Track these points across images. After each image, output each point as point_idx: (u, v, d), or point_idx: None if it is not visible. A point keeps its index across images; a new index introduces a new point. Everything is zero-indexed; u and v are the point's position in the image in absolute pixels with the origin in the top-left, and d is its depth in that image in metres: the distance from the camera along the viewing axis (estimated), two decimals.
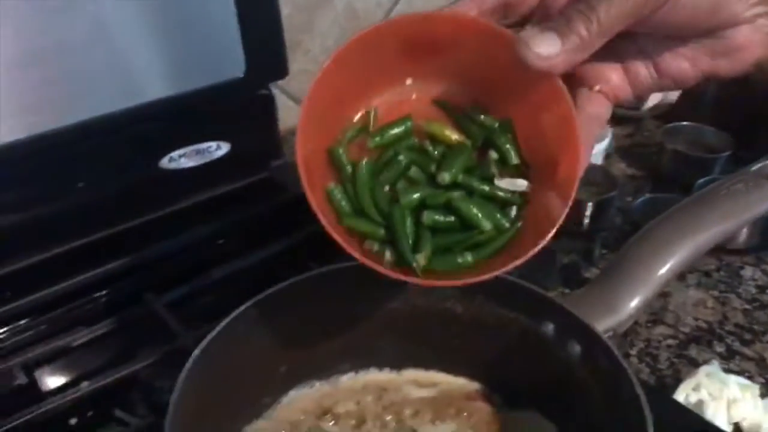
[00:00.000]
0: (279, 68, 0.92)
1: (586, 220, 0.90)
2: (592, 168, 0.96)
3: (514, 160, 0.46)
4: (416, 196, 0.45)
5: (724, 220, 0.58)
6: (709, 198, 0.61)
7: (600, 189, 0.93)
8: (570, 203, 0.43)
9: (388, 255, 0.45)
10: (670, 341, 0.76)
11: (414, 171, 0.46)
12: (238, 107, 0.90)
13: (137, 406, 0.68)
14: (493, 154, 0.46)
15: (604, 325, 0.53)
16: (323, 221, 0.43)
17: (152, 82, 0.82)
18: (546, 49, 0.39)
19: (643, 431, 0.45)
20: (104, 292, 0.78)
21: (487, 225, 0.45)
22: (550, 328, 0.55)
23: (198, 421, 0.50)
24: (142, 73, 0.81)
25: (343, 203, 0.46)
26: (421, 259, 0.44)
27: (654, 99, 1.12)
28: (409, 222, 0.45)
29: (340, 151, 0.46)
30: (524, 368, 0.58)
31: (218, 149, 0.90)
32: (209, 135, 0.88)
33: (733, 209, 0.58)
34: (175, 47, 0.82)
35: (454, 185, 0.45)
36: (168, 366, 0.66)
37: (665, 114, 1.13)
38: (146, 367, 0.67)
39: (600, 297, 0.55)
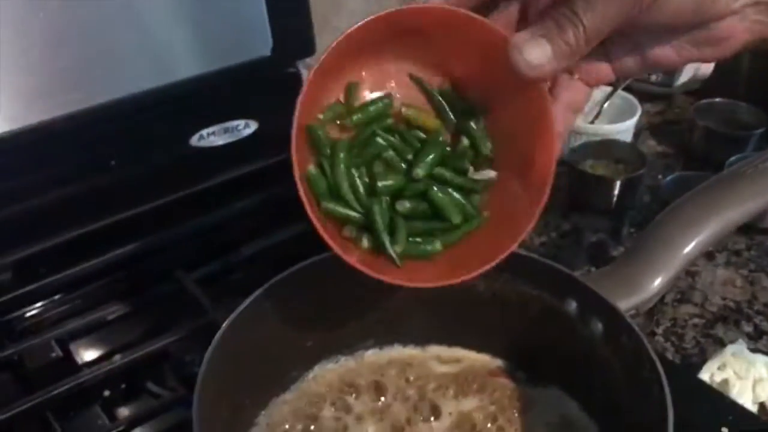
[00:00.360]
0: (306, 46, 0.92)
1: (614, 199, 0.89)
2: (621, 145, 0.95)
3: (486, 150, 0.46)
4: (394, 184, 0.46)
5: (753, 198, 0.57)
6: (738, 175, 0.60)
7: (629, 167, 0.92)
8: (546, 195, 0.43)
9: (365, 242, 0.47)
10: (697, 320, 0.76)
11: (390, 155, 0.47)
12: (266, 85, 0.91)
13: (168, 379, 0.70)
14: (465, 141, 0.47)
15: (626, 303, 0.53)
16: (306, 205, 0.43)
17: (181, 61, 0.83)
18: (537, 56, 0.39)
19: (663, 410, 0.45)
20: (136, 269, 0.80)
21: (457, 218, 0.46)
22: (572, 306, 0.55)
23: (225, 394, 0.51)
24: (172, 52, 0.82)
25: (321, 185, 0.46)
26: (398, 249, 0.45)
27: (686, 75, 1.10)
28: (386, 213, 0.46)
29: (318, 130, 0.46)
30: (547, 345, 0.58)
31: (246, 127, 0.91)
32: (237, 113, 0.89)
33: (764, 187, 0.57)
34: (203, 26, 0.83)
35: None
36: (198, 340, 0.68)
37: (697, 90, 1.11)
38: (177, 342, 0.68)
39: (623, 275, 0.55)
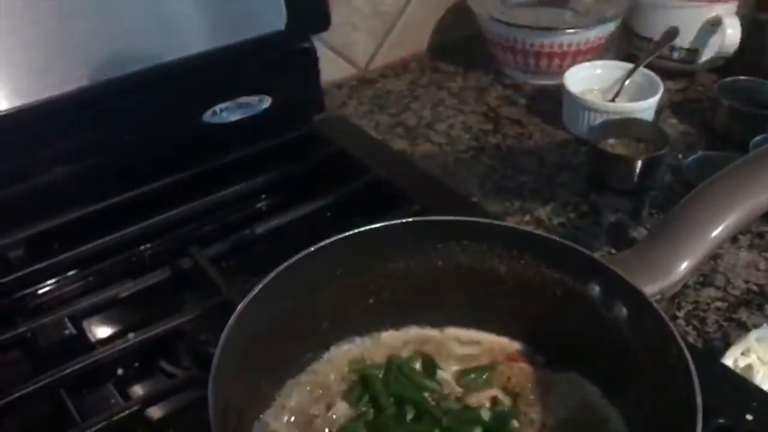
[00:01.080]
0: (320, 20, 0.90)
1: (635, 179, 0.87)
2: (642, 124, 0.93)
3: None
4: None
5: None
6: (766, 157, 0.58)
7: (650, 146, 0.90)
8: None
9: None
10: (719, 304, 0.74)
11: None
12: (280, 60, 0.89)
13: (182, 358, 0.69)
14: None
15: (652, 288, 0.52)
16: None
17: (194, 36, 0.82)
18: None
19: (691, 398, 0.44)
20: (150, 245, 0.79)
21: None
22: (596, 289, 0.54)
23: (241, 374, 0.50)
24: (185, 26, 0.81)
25: None
26: None
27: (710, 52, 1.07)
28: None
29: None
30: (568, 330, 0.57)
31: (260, 103, 0.89)
32: (251, 88, 0.88)
33: None
34: (217, 0, 0.81)
35: None
36: (212, 319, 0.67)
37: (721, 67, 1.09)
38: (191, 321, 0.68)
39: (649, 258, 0.53)
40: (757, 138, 0.86)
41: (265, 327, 0.53)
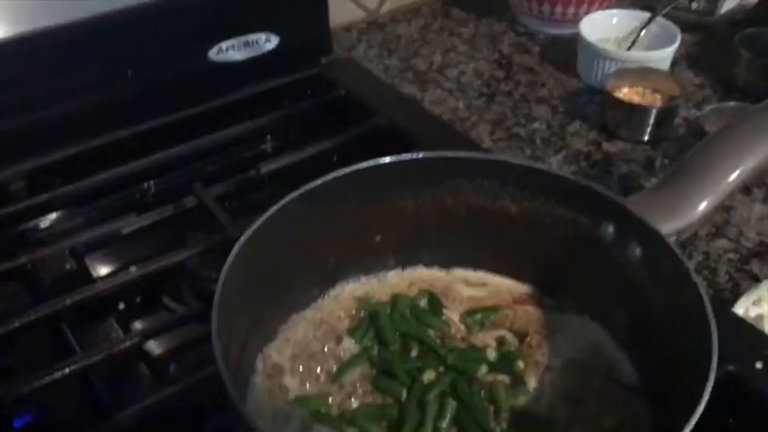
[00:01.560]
0: None
1: (649, 128, 0.86)
2: (657, 74, 0.90)
3: None
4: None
5: None
6: None
7: (665, 96, 0.88)
8: None
9: None
10: (731, 255, 0.73)
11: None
12: None
13: (184, 294, 0.69)
14: None
15: (668, 227, 0.50)
16: None
17: None
18: None
19: (707, 339, 0.43)
20: (153, 182, 0.78)
21: None
22: (609, 229, 0.53)
23: (245, 308, 0.49)
24: None
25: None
26: None
27: (729, 3, 1.04)
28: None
29: None
30: (579, 272, 0.56)
31: (267, 42, 0.87)
32: (258, 26, 0.86)
33: None
34: None
35: None
36: (215, 256, 0.66)
37: (741, 20, 1.06)
38: (194, 257, 0.67)
39: (666, 199, 0.52)
40: None
41: (269, 259, 0.51)
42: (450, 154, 0.55)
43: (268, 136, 0.86)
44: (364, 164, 0.54)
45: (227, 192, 0.75)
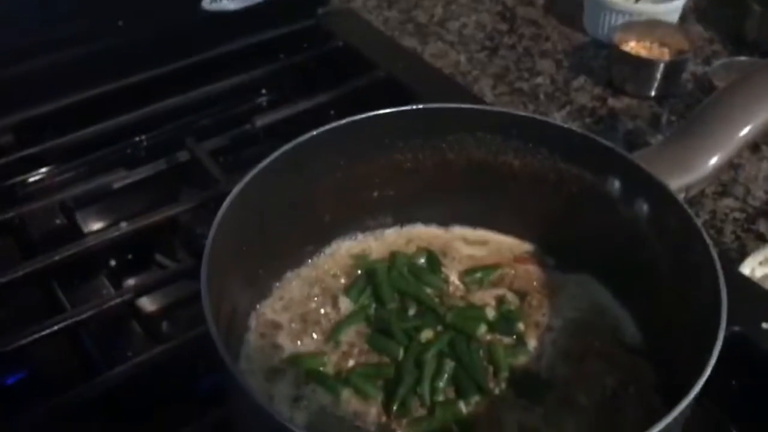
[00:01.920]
0: None
1: (656, 83, 0.83)
2: (665, 27, 0.88)
3: None
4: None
5: None
6: None
7: (673, 50, 0.86)
8: None
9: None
10: (737, 214, 0.71)
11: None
12: None
13: (177, 251, 0.67)
14: None
15: (677, 183, 0.48)
16: None
17: None
18: None
19: (716, 299, 0.41)
20: (145, 137, 0.76)
21: None
22: (616, 185, 0.51)
23: (237, 264, 0.48)
24: None
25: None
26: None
27: None
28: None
29: None
30: (582, 229, 0.54)
31: None
32: None
33: None
34: None
35: None
36: (209, 211, 0.64)
37: None
38: (187, 212, 0.65)
39: (675, 153, 0.50)
40: None
41: (262, 214, 0.50)
42: (452, 105, 0.53)
43: (263, 90, 0.84)
44: (360, 116, 0.52)
45: (221, 146, 0.73)
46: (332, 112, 0.78)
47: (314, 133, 0.51)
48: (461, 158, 0.55)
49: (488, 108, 0.54)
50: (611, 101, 0.84)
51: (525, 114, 0.53)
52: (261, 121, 0.74)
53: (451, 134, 0.54)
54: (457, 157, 0.55)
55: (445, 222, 0.59)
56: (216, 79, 0.79)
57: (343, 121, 0.51)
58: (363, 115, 0.52)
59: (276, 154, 0.49)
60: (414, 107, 0.53)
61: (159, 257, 0.67)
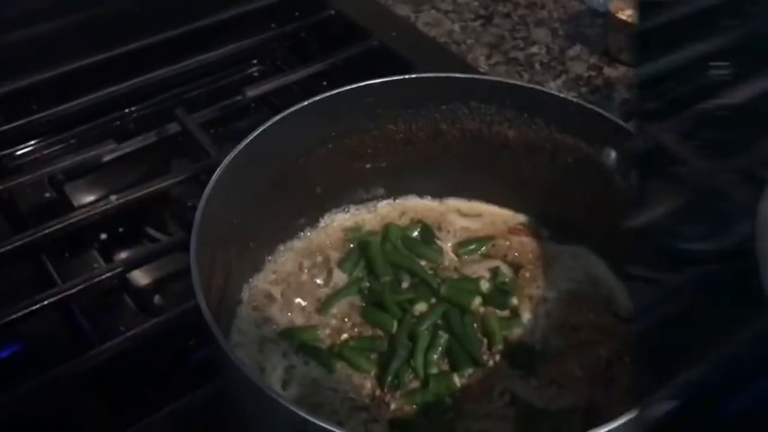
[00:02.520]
0: None
1: None
2: None
3: None
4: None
5: None
6: None
7: None
8: None
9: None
10: None
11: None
12: None
13: (169, 224, 0.66)
14: None
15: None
16: None
17: None
18: None
19: None
20: (135, 108, 0.75)
21: None
22: (612, 155, 0.50)
23: (229, 236, 0.47)
24: None
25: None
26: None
27: None
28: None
29: None
30: (578, 200, 0.54)
31: None
32: None
33: None
34: None
35: None
36: (200, 184, 0.63)
37: None
38: (177, 185, 0.64)
39: None
40: None
41: (253, 186, 0.49)
42: (445, 75, 0.52)
43: (255, 60, 0.82)
44: (351, 86, 0.51)
45: (212, 118, 0.72)
46: (325, 83, 0.77)
47: (305, 103, 0.50)
48: (455, 129, 0.55)
49: (482, 77, 0.53)
50: (607, 70, 0.83)
51: (519, 83, 0.52)
52: (252, 92, 0.73)
53: (445, 104, 0.54)
54: (450, 127, 0.55)
55: (439, 194, 0.59)
56: (206, 49, 0.77)
57: (334, 92, 0.51)
58: (354, 85, 0.51)
59: (266, 125, 0.48)
60: (406, 77, 0.52)
61: (150, 230, 0.66)
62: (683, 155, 0.54)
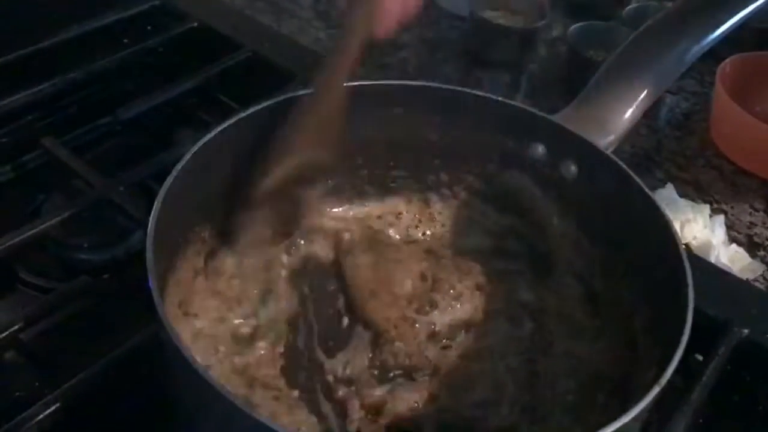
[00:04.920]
0: None
1: (514, 51, 0.85)
2: None
3: None
4: None
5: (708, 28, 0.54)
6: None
7: (528, 18, 0.88)
8: None
9: None
10: None
11: None
12: None
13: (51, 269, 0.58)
14: None
15: (603, 140, 0.49)
16: None
17: None
18: None
19: (668, 233, 0.42)
20: None
21: None
22: (539, 150, 0.51)
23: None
24: None
25: None
26: None
27: None
28: None
29: None
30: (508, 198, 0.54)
31: None
32: None
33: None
34: None
35: None
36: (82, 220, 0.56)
37: None
38: (57, 225, 0.56)
39: (594, 111, 0.50)
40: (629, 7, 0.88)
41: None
42: (371, 83, 0.51)
43: (126, 75, 0.75)
44: (280, 98, 0.47)
45: (83, 143, 0.65)
46: (198, 96, 0.72)
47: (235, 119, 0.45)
48: (380, 134, 0.53)
49: (407, 83, 0.52)
50: (476, 71, 0.85)
51: (442, 86, 0.51)
52: (124, 114, 0.66)
53: (366, 112, 0.51)
54: (375, 133, 0.53)
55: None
56: (71, 65, 0.69)
57: (264, 104, 0.47)
58: (281, 98, 0.47)
59: (198, 144, 0.43)
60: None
61: (25, 276, 0.57)
62: (78, 169, 0.56)
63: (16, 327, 0.48)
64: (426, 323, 0.49)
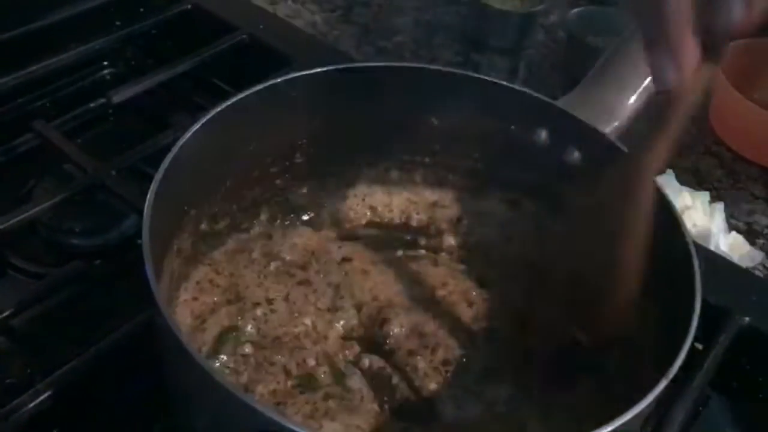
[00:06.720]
0: None
1: (513, 35, 0.84)
2: None
3: None
4: None
5: None
6: None
7: (526, 2, 0.87)
8: None
9: None
10: None
11: None
12: None
13: (39, 255, 0.57)
14: None
15: (606, 126, 0.48)
16: None
17: None
18: None
19: (673, 217, 0.42)
20: None
21: None
22: (542, 135, 0.50)
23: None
24: None
25: None
26: None
27: None
28: None
29: None
30: (511, 182, 0.53)
31: None
32: None
33: None
34: None
35: None
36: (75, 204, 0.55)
37: None
38: (48, 209, 0.55)
39: (598, 97, 0.50)
40: None
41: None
42: (368, 64, 0.50)
43: (105, 62, 0.73)
44: (277, 80, 0.46)
45: (75, 126, 0.63)
46: (191, 79, 0.71)
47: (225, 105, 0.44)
48: (378, 118, 0.52)
49: (403, 65, 0.51)
50: (474, 56, 0.84)
51: (444, 69, 0.50)
52: (116, 97, 0.65)
53: (364, 95, 0.50)
54: (375, 116, 0.52)
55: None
56: (62, 46, 0.68)
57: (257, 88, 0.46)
58: (278, 80, 0.46)
59: (186, 134, 0.42)
60: (326, 69, 0.48)
61: (16, 261, 0.56)
62: (70, 153, 0.55)
63: (6, 313, 0.47)
64: None
